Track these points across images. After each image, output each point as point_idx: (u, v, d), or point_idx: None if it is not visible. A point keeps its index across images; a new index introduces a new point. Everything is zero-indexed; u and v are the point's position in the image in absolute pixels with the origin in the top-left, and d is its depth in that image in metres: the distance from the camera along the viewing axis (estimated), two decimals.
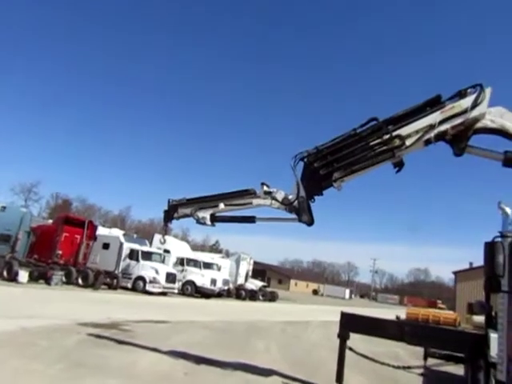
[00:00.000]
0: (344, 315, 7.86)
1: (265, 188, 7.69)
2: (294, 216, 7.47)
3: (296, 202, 7.33)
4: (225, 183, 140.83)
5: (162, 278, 26.19)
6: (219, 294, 31.39)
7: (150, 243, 31.64)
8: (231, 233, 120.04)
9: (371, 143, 6.88)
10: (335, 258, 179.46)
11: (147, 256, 27.54)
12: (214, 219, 8.46)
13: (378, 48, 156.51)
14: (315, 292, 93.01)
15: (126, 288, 25.70)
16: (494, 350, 5.64)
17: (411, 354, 11.61)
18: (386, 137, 6.77)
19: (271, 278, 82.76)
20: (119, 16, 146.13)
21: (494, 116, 6.53)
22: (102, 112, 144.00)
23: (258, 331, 14.89)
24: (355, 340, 7.82)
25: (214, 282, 30.65)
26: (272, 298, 39.96)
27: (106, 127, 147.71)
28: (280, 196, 7.59)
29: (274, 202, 7.60)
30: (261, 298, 37.85)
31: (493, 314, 5.94)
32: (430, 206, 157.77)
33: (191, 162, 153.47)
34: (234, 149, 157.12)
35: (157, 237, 30.48)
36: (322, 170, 7.11)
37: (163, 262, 29.16)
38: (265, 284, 42.97)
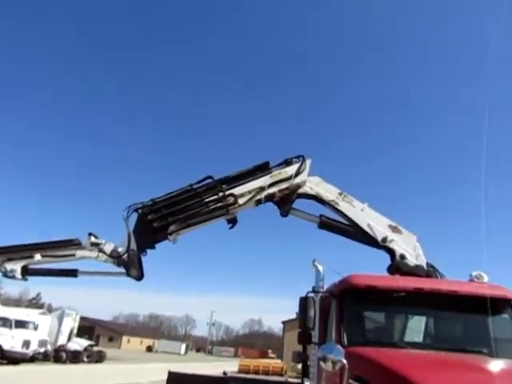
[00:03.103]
0: (171, 374, 7.56)
1: (92, 239, 7.11)
2: (122, 270, 7.04)
3: (126, 256, 6.94)
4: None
5: None
6: (33, 358, 26.74)
7: None
8: (56, 284, 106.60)
9: (206, 199, 7.13)
10: (173, 311, 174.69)
11: None
12: (27, 272, 7.34)
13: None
14: (149, 349, 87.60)
15: None
16: None
17: None
18: (221, 194, 7.12)
19: (101, 336, 75.65)
20: None
21: (312, 184, 7.53)
22: None
23: None
24: None
25: (26, 343, 26.01)
26: (99, 358, 36.01)
27: None
28: (109, 248, 7.10)
29: (101, 254, 7.06)
30: (86, 359, 33.68)
31: (308, 363, 6.43)
32: (263, 258, 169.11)
33: None
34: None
35: None
36: (157, 222, 6.99)
37: None
38: (92, 343, 38.56)
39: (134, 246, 6.97)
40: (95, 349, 37.85)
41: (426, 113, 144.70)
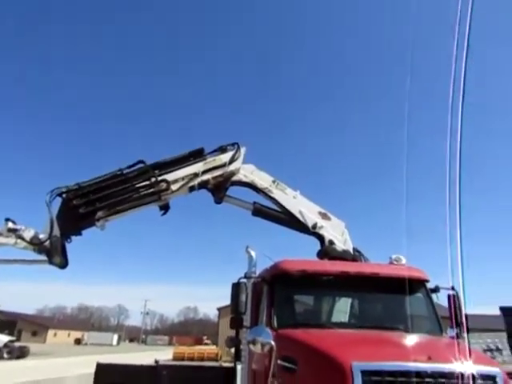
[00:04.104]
0: (99, 366, 7.30)
1: (9, 224, 6.59)
2: (43, 258, 6.62)
3: (48, 242, 6.53)
4: None
5: None
6: None
7: None
8: None
9: (137, 185, 6.91)
10: (104, 302, 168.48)
11: None
12: None
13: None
14: (78, 341, 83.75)
15: None
16: (239, 381, 6.16)
17: None
18: (153, 180, 6.93)
19: (23, 330, 71.15)
20: None
21: (246, 172, 7.60)
22: None
23: None
24: None
25: None
26: (21, 354, 33.82)
27: None
28: (28, 235, 6.64)
29: (19, 241, 6.58)
30: (6, 355, 31.52)
31: (240, 347, 6.54)
32: (198, 246, 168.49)
33: None
34: None
35: None
36: (83, 208, 6.66)
37: None
38: (12, 338, 36.14)
39: (57, 232, 6.58)
40: (17, 344, 35.54)
41: (350, 102, 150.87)
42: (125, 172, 7.02)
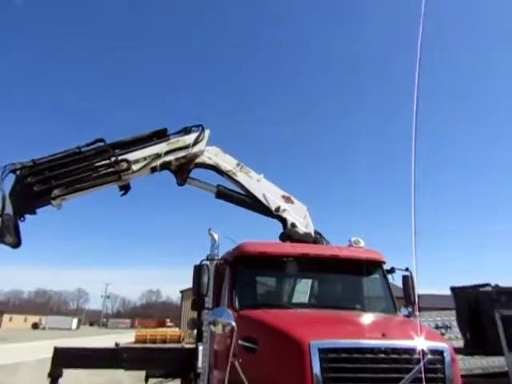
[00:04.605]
0: (57, 350, 7.14)
1: None
2: None
3: None
4: None
5: None
6: None
7: None
8: None
9: (96, 164, 6.70)
10: (63, 286, 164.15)
11: None
12: None
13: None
14: (35, 326, 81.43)
15: None
16: (201, 362, 6.22)
17: (138, 378, 11.54)
18: (113, 159, 6.74)
19: None
20: None
21: (210, 154, 7.52)
22: None
23: None
24: (79, 373, 7.15)
25: None
26: None
27: None
28: None
29: None
30: None
31: (202, 328, 6.58)
32: (161, 228, 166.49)
33: None
34: None
35: None
36: (38, 186, 6.40)
37: None
38: None
39: (9, 210, 6.31)
40: None
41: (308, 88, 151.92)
42: (83, 150, 6.78)
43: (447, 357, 3.94)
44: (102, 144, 6.88)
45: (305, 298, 6.17)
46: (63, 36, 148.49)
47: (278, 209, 7.29)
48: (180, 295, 50.21)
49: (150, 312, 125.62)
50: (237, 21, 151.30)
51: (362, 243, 6.01)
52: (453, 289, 16.40)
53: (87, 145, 6.84)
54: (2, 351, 28.03)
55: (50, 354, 7.06)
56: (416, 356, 3.66)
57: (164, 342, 36.13)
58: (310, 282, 6.29)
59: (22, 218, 6.55)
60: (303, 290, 6.31)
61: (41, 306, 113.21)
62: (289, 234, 7.03)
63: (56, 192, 6.53)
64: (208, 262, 5.72)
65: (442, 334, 14.78)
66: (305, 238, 6.94)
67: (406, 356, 3.73)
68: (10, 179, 6.48)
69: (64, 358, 7.06)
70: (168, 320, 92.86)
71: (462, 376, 4.17)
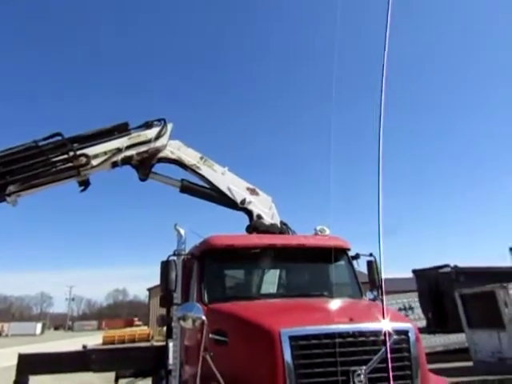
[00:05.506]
0: (21, 357, 6.86)
1: None
2: None
3: None
4: None
5: None
6: None
7: None
8: None
9: (53, 159, 6.48)
10: (25, 291, 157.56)
11: None
12: None
13: None
14: None
15: None
16: (171, 359, 6.16)
17: (108, 379, 11.30)
18: (71, 154, 6.53)
19: None
20: None
21: (173, 148, 7.40)
22: None
23: None
24: (47, 378, 6.90)
25: None
26: None
27: None
28: None
29: None
30: None
31: (172, 325, 6.51)
32: (124, 226, 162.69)
33: None
34: None
35: None
36: None
37: None
38: None
39: None
40: None
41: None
42: (40, 144, 6.52)
43: (412, 336, 4.09)
44: (59, 138, 6.63)
45: (273, 289, 6.22)
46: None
47: (243, 201, 7.28)
48: (147, 293, 49.58)
49: (118, 312, 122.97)
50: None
51: (328, 231, 6.10)
52: (414, 271, 17.12)
53: (44, 139, 6.58)
54: None
55: (14, 362, 6.78)
56: (382, 337, 3.78)
57: (133, 341, 35.57)
58: (277, 272, 6.34)
59: None
60: (271, 280, 6.36)
61: (2, 313, 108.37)
62: (255, 225, 7.05)
63: (11, 188, 6.28)
64: (175, 258, 5.66)
65: (406, 316, 15.40)
66: (271, 229, 6.98)
67: (372, 338, 3.85)
68: None
69: (29, 365, 6.79)
70: (136, 319, 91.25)
71: (426, 354, 4.35)
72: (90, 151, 6.73)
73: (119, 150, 6.85)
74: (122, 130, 7.10)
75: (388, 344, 3.71)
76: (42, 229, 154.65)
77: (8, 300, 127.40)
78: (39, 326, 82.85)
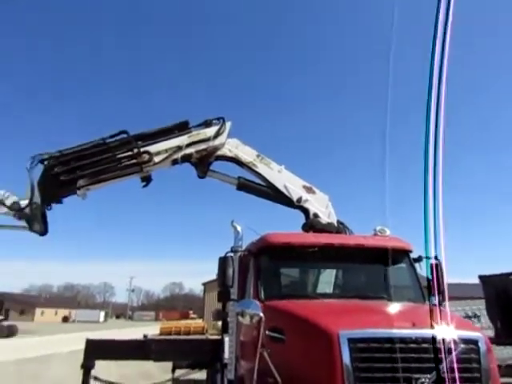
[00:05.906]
0: (89, 342, 7.28)
1: None
2: (23, 224, 6.58)
3: (28, 209, 6.50)
4: None
5: None
6: None
7: None
8: None
9: (119, 155, 6.82)
10: (90, 280, 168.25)
11: None
12: None
13: None
14: (65, 319, 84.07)
15: None
16: (227, 353, 6.25)
17: (166, 369, 11.75)
18: (135, 151, 6.83)
19: (11, 309, 70.77)
20: None
21: (231, 146, 7.50)
22: None
23: None
24: (109, 364, 7.31)
25: None
26: (10, 333, 33.81)
27: None
28: (9, 201, 6.61)
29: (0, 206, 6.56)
30: None
31: (228, 319, 6.62)
32: (183, 221, 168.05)
33: None
34: None
35: None
36: (64, 175, 6.58)
37: None
38: (0, 317, 36.02)
39: (37, 199, 6.55)
40: (5, 323, 35.45)
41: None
42: (107, 141, 6.90)
43: (482, 346, 3.83)
44: (125, 136, 6.98)
45: (329, 289, 6.12)
46: None
47: (299, 199, 7.22)
48: (202, 287, 50.81)
49: (174, 304, 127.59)
50: None
51: (388, 232, 5.88)
52: (481, 277, 16.03)
53: (111, 136, 6.96)
54: (35, 344, 29.07)
55: (80, 346, 7.21)
56: (448, 346, 3.57)
57: (188, 333, 36.61)
58: (334, 272, 6.22)
59: (48, 207, 6.78)
60: (327, 280, 6.26)
61: (69, 300, 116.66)
62: (311, 224, 6.96)
63: (81, 182, 6.69)
64: (232, 254, 5.72)
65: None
66: (327, 228, 6.86)
67: (437, 345, 3.64)
68: (40, 169, 6.69)
69: (96, 350, 7.18)
70: (191, 312, 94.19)
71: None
72: (153, 149, 6.99)
73: (179, 148, 7.06)
74: (182, 128, 7.30)
75: (454, 353, 3.49)
76: (105, 222, 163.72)
77: (75, 288, 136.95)
78: (102, 314, 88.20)
